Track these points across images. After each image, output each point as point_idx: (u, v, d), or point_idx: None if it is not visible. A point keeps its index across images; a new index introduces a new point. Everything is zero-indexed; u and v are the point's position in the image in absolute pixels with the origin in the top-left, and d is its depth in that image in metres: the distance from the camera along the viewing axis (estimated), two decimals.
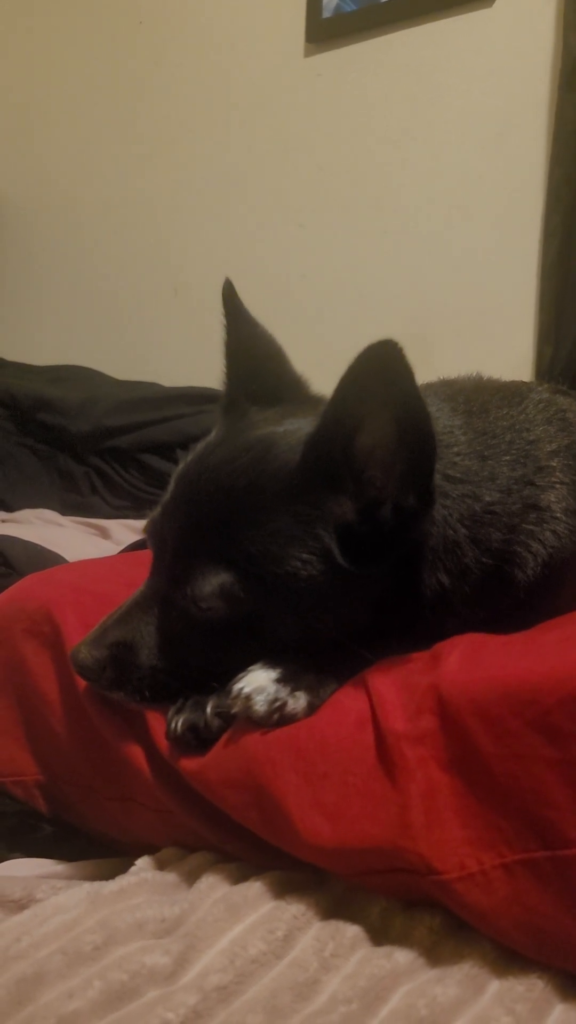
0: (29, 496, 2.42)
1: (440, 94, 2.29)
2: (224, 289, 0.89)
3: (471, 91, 2.24)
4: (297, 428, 0.79)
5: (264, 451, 0.77)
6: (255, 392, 0.88)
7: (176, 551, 0.79)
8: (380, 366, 0.66)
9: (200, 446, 0.83)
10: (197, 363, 2.42)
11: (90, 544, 1.96)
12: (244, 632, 0.78)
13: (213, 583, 0.75)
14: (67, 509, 2.35)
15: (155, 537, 0.82)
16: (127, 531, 2.06)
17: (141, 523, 2.07)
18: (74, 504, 2.41)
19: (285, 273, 2.58)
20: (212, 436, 0.84)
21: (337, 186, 2.50)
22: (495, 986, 0.61)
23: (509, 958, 0.63)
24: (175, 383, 2.57)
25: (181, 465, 0.83)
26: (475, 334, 2.29)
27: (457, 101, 2.26)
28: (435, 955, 0.65)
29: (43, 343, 3.06)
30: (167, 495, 0.82)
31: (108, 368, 2.81)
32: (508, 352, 2.21)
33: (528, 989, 0.60)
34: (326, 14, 2.40)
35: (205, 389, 2.41)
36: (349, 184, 2.48)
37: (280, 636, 0.78)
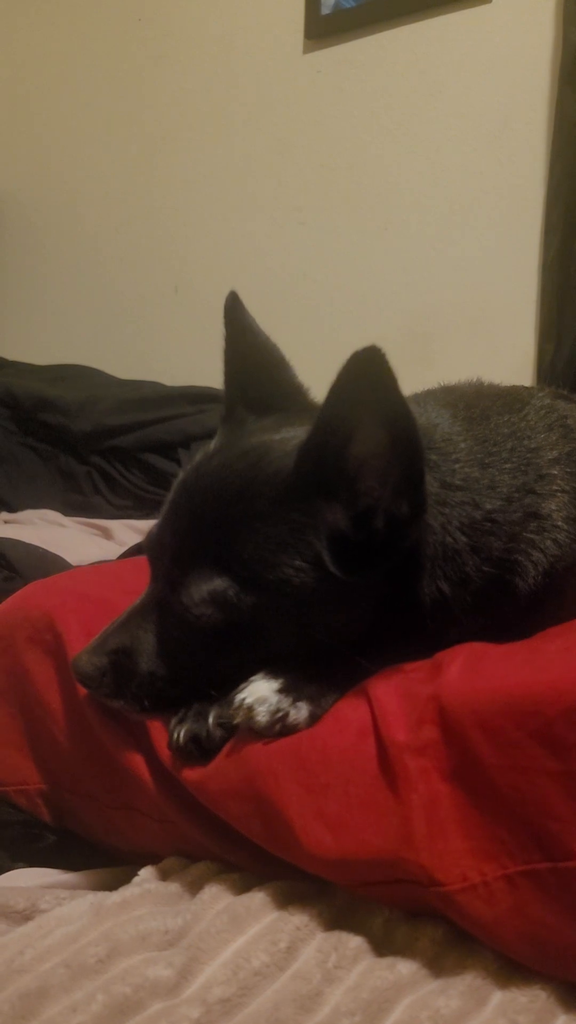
0: (31, 496, 2.41)
1: (440, 90, 2.28)
2: (226, 301, 0.89)
3: (471, 86, 2.23)
4: (293, 436, 0.79)
5: (259, 458, 0.77)
6: (255, 401, 0.88)
7: (173, 557, 0.79)
8: (367, 373, 0.66)
9: (199, 455, 0.83)
10: (199, 362, 2.43)
11: (92, 545, 1.96)
12: (240, 639, 0.78)
13: (206, 588, 0.75)
14: (69, 509, 2.34)
15: (154, 544, 0.82)
16: (129, 531, 2.05)
17: (143, 523, 2.07)
18: (76, 504, 2.40)
19: (286, 270, 2.57)
20: (211, 445, 0.85)
21: (338, 183, 2.49)
22: (498, 997, 0.61)
23: (512, 969, 0.63)
24: (177, 382, 2.57)
25: (181, 474, 0.83)
26: (476, 330, 2.28)
27: (457, 97, 2.25)
28: (438, 966, 0.65)
29: (44, 342, 3.05)
30: (166, 503, 0.82)
31: (109, 367, 2.80)
32: (509, 349, 2.21)
33: (531, 1000, 0.60)
34: (325, 10, 2.39)
35: (207, 388, 2.40)
36: (350, 181, 2.47)
37: (276, 643, 0.78)
